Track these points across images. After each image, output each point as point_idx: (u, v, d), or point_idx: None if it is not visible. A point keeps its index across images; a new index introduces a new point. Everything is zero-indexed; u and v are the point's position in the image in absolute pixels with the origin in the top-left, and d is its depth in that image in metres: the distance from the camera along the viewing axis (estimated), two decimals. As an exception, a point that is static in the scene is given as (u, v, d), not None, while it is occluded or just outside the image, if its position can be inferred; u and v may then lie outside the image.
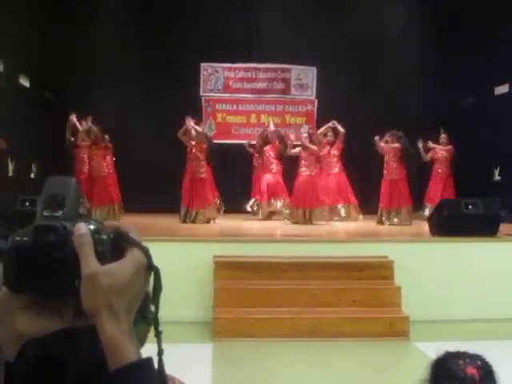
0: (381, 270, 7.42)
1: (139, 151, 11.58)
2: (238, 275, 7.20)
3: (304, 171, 10.69)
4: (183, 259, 7.43)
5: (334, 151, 11.60)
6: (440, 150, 11.64)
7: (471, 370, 1.98)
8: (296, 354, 6.35)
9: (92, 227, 0.83)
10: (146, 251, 0.85)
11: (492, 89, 11.92)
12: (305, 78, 13.76)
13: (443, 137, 11.66)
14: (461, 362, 2.02)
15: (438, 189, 11.58)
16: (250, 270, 7.25)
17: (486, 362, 2.06)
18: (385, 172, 10.90)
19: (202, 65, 13.58)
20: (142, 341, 1.18)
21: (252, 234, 9.65)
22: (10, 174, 10.22)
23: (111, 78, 12.36)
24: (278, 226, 10.46)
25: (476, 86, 12.13)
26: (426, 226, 8.99)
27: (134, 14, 12.67)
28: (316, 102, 13.74)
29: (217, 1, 12.84)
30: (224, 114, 13.65)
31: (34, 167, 11.43)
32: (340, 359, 6.26)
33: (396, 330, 6.83)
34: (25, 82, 11.13)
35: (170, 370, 1.72)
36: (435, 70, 13.07)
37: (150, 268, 0.86)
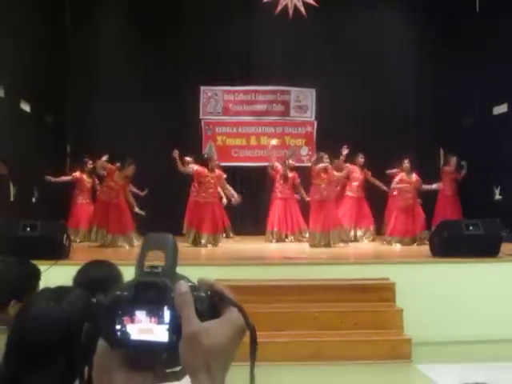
0: (382, 292, 7.39)
1: (138, 174, 11.60)
2: (238, 299, 7.15)
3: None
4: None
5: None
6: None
7: None
8: (299, 378, 6.30)
9: (190, 284, 0.86)
10: (243, 310, 0.87)
11: (491, 108, 11.97)
12: (304, 99, 13.82)
13: (453, 159, 11.78)
14: None
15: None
16: (250, 294, 7.20)
17: None
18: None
19: (202, 88, 13.65)
20: None
21: (253, 257, 9.61)
22: (12, 198, 10.23)
23: (111, 103, 12.41)
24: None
25: (475, 105, 12.18)
26: (427, 248, 8.98)
27: (134, 39, 12.76)
28: (315, 123, 13.78)
29: (216, 24, 12.93)
30: (224, 137, 13.69)
31: (35, 191, 11.44)
32: (343, 383, 6.22)
33: (398, 352, 6.78)
34: (25, 106, 11.19)
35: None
36: (434, 88, 13.11)
37: (247, 327, 0.87)
